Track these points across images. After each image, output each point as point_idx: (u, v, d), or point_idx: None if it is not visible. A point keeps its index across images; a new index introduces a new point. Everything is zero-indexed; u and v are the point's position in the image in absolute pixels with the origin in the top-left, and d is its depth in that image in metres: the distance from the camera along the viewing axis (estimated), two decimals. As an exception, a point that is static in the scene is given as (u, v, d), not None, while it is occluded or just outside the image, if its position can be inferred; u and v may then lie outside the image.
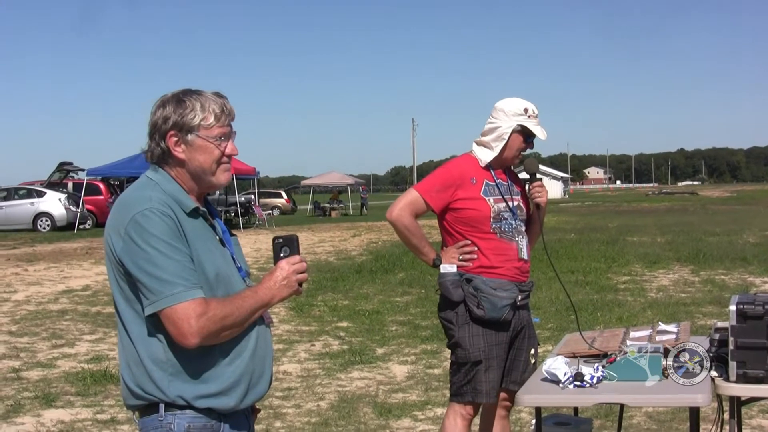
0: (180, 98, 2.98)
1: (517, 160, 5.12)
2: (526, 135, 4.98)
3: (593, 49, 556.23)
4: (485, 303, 4.85)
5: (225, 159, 3.03)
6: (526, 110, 4.95)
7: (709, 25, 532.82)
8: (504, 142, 4.94)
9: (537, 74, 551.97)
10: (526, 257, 5.06)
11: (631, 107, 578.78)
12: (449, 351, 5.11)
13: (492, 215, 4.91)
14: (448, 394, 5.15)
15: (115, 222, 2.88)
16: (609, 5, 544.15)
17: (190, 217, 2.91)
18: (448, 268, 4.94)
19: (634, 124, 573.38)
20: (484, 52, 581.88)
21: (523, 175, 5.43)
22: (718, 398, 4.34)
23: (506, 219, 4.96)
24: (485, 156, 4.99)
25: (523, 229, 5.08)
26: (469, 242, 4.93)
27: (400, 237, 5.09)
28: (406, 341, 10.81)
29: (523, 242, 5.05)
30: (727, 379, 3.82)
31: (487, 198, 4.92)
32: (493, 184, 4.97)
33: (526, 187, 5.18)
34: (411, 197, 5.00)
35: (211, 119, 2.97)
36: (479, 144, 5.05)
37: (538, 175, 5.17)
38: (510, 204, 4.99)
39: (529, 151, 5.11)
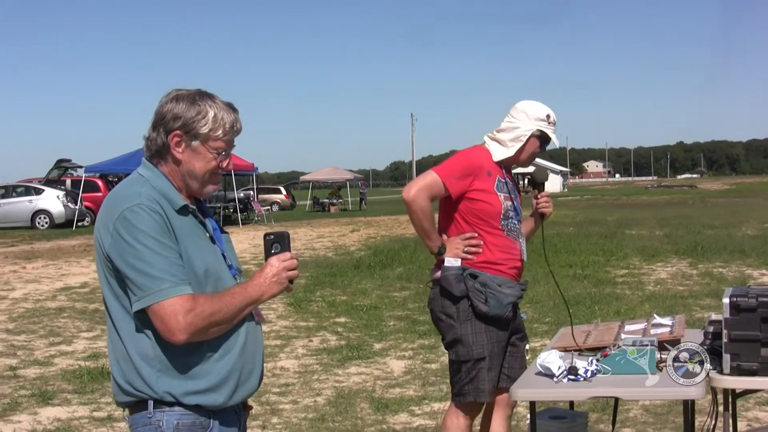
0: (195, 100, 2.96)
1: (529, 164, 5.12)
2: (542, 140, 4.97)
3: (593, 42, 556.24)
4: (492, 299, 4.78)
5: (218, 171, 3.03)
6: (548, 116, 4.94)
7: (707, 17, 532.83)
8: (521, 143, 4.92)
9: (536, 68, 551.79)
10: (526, 259, 5.06)
11: (630, 100, 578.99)
12: (446, 349, 5.04)
13: (502, 212, 4.87)
14: (447, 390, 5.11)
15: (104, 218, 2.88)
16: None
17: (179, 214, 2.90)
18: (452, 261, 4.84)
19: (633, 118, 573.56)
20: (483, 46, 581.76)
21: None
22: (713, 391, 4.33)
23: (511, 218, 4.94)
24: (500, 153, 4.94)
25: (522, 231, 5.08)
26: (476, 235, 4.86)
27: (413, 218, 4.90)
28: (403, 336, 10.81)
29: (524, 244, 5.05)
30: (720, 372, 3.81)
31: (499, 194, 4.88)
32: (504, 181, 4.94)
33: (533, 196, 5.16)
34: (430, 180, 4.84)
35: (219, 132, 2.97)
36: (493, 139, 5.00)
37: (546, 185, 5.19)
38: (515, 204, 4.98)
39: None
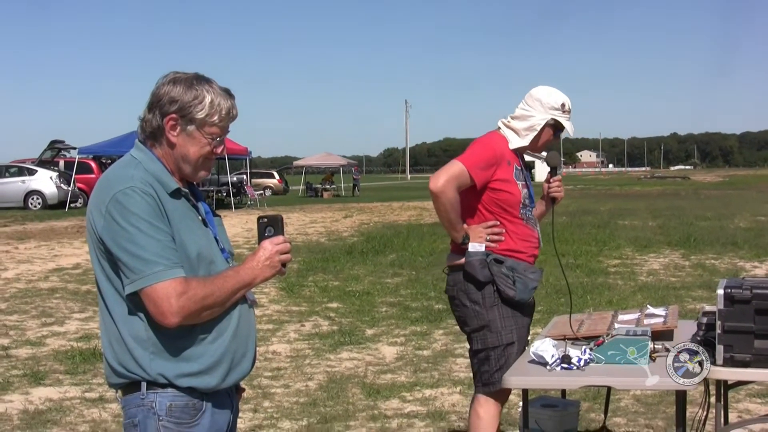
0: (192, 84, 2.94)
1: (543, 151, 5.06)
2: (556, 129, 4.92)
3: (586, 32, 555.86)
4: (519, 284, 4.74)
5: (212, 157, 3.02)
6: (563, 105, 4.86)
7: (703, 8, 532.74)
8: (535, 133, 4.85)
9: (530, 58, 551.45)
10: (542, 246, 5.05)
11: (624, 91, 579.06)
12: (469, 337, 4.94)
13: (521, 200, 4.84)
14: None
15: (96, 200, 2.86)
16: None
17: (172, 197, 2.89)
18: (477, 247, 4.77)
19: (627, 108, 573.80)
20: (477, 33, 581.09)
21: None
22: (705, 382, 4.32)
23: (528, 206, 4.91)
24: (515, 141, 4.88)
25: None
26: (498, 223, 4.81)
27: (439, 209, 4.79)
28: (395, 322, 10.81)
29: (539, 232, 5.04)
30: (714, 363, 3.81)
31: (518, 182, 4.84)
32: (520, 168, 4.90)
33: (546, 180, 5.10)
34: (458, 170, 4.72)
35: (215, 118, 2.96)
36: (508, 127, 4.93)
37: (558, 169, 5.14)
38: (530, 191, 4.94)
39: None
